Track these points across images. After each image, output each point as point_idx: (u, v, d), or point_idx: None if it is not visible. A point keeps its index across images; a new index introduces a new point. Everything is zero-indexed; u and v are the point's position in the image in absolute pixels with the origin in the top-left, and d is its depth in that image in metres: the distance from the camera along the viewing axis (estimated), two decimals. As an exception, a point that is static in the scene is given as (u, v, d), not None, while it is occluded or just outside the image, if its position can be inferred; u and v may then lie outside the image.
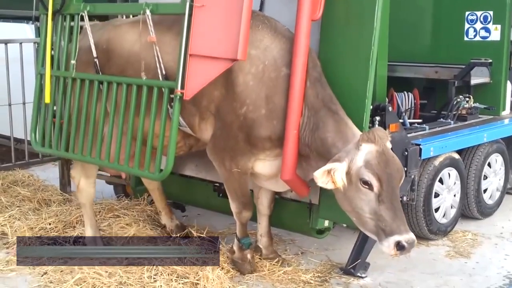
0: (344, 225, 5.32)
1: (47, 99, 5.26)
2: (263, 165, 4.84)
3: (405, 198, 5.45)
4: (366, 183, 4.18)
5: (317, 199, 5.09)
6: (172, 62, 4.55)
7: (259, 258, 5.39)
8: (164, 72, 4.62)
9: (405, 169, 5.29)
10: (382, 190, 4.16)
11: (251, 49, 4.52)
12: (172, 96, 4.54)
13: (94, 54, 5.03)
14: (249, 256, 5.18)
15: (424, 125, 6.17)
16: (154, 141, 4.75)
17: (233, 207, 5.04)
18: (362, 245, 5.26)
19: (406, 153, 5.30)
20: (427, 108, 6.96)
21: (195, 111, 4.86)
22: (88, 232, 5.57)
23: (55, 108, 5.40)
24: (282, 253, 5.66)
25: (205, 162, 5.66)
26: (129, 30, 5.14)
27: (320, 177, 4.23)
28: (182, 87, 4.43)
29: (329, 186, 4.27)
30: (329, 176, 4.23)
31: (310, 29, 4.54)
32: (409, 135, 5.61)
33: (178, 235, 5.81)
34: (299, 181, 4.72)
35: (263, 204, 5.34)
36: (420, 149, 5.47)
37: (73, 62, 5.10)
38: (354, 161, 4.21)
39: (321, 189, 4.71)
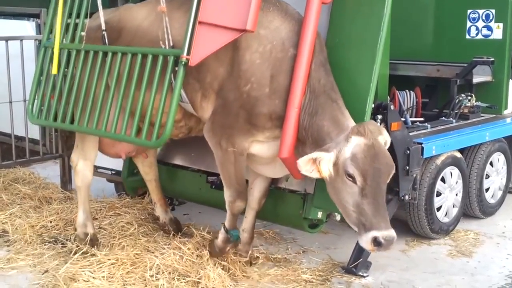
0: (338, 218, 5.23)
1: (54, 70, 5.24)
2: (262, 146, 4.81)
3: (407, 197, 5.44)
4: (350, 176, 4.17)
5: (312, 189, 5.07)
6: (180, 37, 4.54)
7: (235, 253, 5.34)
8: (172, 44, 4.62)
9: (407, 167, 5.30)
10: (366, 185, 4.14)
11: (260, 29, 4.56)
12: (176, 69, 4.50)
13: (103, 27, 5.04)
14: (228, 249, 5.17)
15: (426, 124, 6.16)
16: (152, 117, 4.69)
17: (227, 195, 4.97)
18: (364, 244, 5.25)
19: (408, 151, 5.30)
20: (429, 107, 6.95)
21: (198, 87, 4.86)
22: (80, 217, 5.58)
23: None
24: (284, 252, 5.65)
25: (202, 152, 5.65)
26: (140, 9, 5.25)
27: (304, 165, 4.25)
28: (188, 53, 4.42)
29: (314, 175, 4.29)
30: (314, 164, 4.25)
31: (320, 12, 4.57)
32: (411, 133, 5.61)
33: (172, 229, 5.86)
34: (296, 161, 4.69)
35: (254, 196, 5.27)
36: (422, 148, 5.46)
37: (82, 34, 5.12)
38: (342, 152, 4.21)
39: (317, 179, 4.74)
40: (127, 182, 6.52)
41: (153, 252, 5.24)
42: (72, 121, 5.17)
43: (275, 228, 6.13)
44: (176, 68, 4.48)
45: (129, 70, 4.78)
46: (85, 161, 5.56)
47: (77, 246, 5.42)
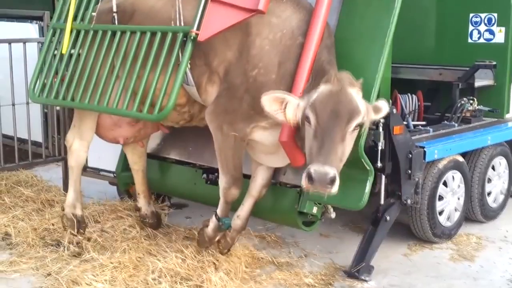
0: (333, 216, 5.19)
1: (64, 50, 5.29)
2: (264, 133, 4.82)
3: (409, 201, 5.44)
4: (307, 118, 4.16)
5: None
6: (191, 18, 4.61)
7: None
8: (183, 25, 4.69)
9: (409, 171, 5.31)
10: (318, 126, 4.09)
11: (272, 17, 4.69)
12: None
13: (114, 9, 5.12)
14: (217, 239, 5.20)
15: (428, 128, 6.17)
16: (154, 97, 4.72)
17: (222, 182, 4.96)
18: (366, 248, 5.26)
19: (410, 155, 5.31)
20: (431, 110, 6.96)
21: (204, 70, 4.91)
22: (70, 197, 5.69)
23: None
24: (286, 255, 5.65)
25: (200, 146, 5.72)
26: None
27: (268, 103, 4.27)
28: (198, 29, 4.50)
29: (279, 116, 4.29)
30: (281, 106, 4.26)
31: (332, 4, 4.68)
32: (413, 137, 5.60)
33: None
34: (295, 146, 4.67)
35: (256, 183, 5.21)
36: (424, 152, 5.47)
37: (93, 14, 5.20)
38: (309, 100, 4.21)
39: None
40: (120, 177, 6.50)
41: (155, 256, 5.26)
42: (73, 99, 5.18)
43: (277, 232, 6.14)
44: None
45: (136, 48, 4.81)
46: (81, 141, 5.63)
47: (64, 227, 5.62)
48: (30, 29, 7.66)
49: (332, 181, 3.96)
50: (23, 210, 6.30)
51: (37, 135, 7.30)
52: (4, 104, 6.98)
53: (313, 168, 3.97)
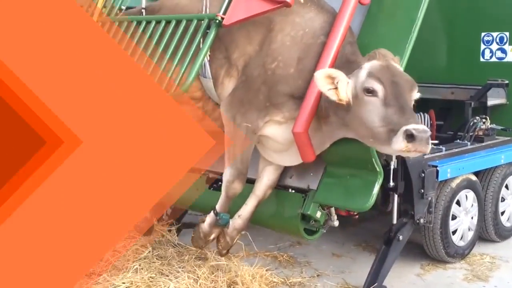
0: (336, 224, 5.12)
1: None
2: (278, 128, 4.82)
3: (422, 221, 5.41)
4: (370, 91, 4.13)
5: (315, 185, 5.04)
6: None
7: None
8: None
9: (422, 191, 5.28)
10: (387, 93, 4.09)
11: (296, 17, 4.83)
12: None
13: (143, 5, 5.30)
14: (213, 237, 5.20)
15: (440, 147, 6.12)
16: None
17: (227, 174, 4.94)
18: (379, 268, 5.22)
19: (423, 174, 5.28)
20: (444, 129, 6.93)
21: (224, 63, 4.99)
22: None
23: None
24: (298, 275, 5.62)
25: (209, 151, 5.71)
26: None
27: (321, 80, 4.26)
28: (224, 14, 4.64)
29: (330, 95, 4.27)
30: (332, 83, 4.26)
31: (357, 10, 4.75)
32: (425, 156, 5.57)
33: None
34: (308, 140, 4.66)
35: (262, 182, 5.18)
36: (437, 171, 5.45)
37: (122, 7, 5.42)
38: (358, 78, 4.21)
39: (323, 175, 4.85)
40: None
41: (167, 276, 5.24)
42: None
43: (290, 252, 6.11)
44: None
45: (158, 37, 4.91)
46: None
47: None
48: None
49: (429, 139, 3.98)
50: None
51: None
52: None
53: (413, 127, 3.93)
